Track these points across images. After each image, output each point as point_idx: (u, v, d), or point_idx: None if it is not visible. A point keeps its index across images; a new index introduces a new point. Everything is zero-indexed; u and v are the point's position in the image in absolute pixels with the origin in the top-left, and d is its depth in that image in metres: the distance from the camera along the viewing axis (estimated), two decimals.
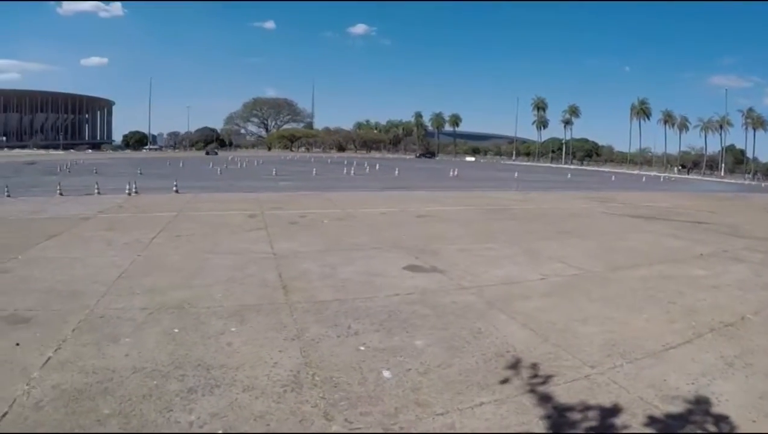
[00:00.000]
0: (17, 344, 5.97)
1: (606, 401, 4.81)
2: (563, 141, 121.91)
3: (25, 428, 4.26)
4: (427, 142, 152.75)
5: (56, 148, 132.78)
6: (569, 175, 55.06)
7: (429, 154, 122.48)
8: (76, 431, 4.21)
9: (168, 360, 5.57)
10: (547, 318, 7.08)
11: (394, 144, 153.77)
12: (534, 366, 5.52)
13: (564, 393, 4.93)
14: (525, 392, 4.95)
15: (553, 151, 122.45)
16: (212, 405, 4.66)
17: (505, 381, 5.17)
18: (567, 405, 4.69)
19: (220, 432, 4.26)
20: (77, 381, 5.09)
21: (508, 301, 7.84)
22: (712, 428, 4.44)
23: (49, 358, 5.61)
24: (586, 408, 4.65)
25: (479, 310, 7.42)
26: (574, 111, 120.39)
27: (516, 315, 7.17)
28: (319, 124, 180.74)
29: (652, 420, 4.49)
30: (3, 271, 9.25)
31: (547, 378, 5.23)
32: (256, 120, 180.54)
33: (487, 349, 6.00)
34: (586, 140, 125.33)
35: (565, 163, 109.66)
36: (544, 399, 4.80)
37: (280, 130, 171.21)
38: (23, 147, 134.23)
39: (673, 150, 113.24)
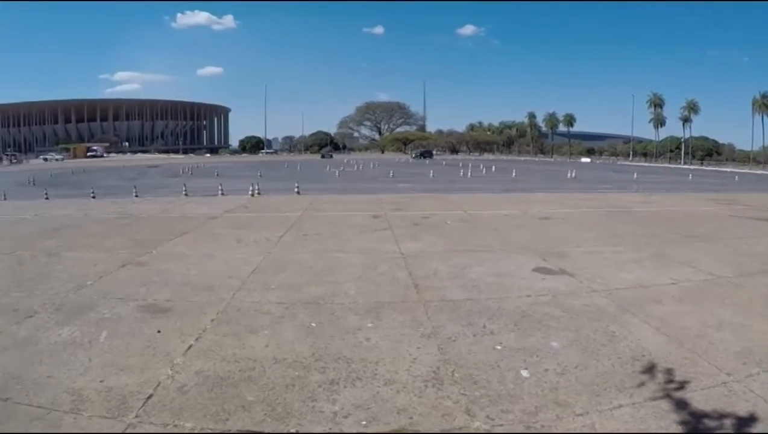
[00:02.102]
0: (159, 331, 6.46)
1: (743, 409, 4.61)
2: (681, 139, 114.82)
3: (171, 409, 4.58)
4: (540, 143, 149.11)
5: (176, 152, 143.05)
6: (690, 176, 51.50)
7: (428, 153, 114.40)
8: (221, 415, 4.45)
9: (308, 352, 5.80)
10: (681, 323, 6.83)
11: (508, 145, 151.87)
12: (670, 371, 5.38)
13: (701, 399, 4.78)
14: (662, 396, 4.84)
15: (671, 151, 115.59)
16: (355, 396, 4.79)
17: (641, 384, 5.10)
18: (704, 412, 4.56)
19: (364, 422, 4.37)
20: (220, 368, 5.41)
21: (640, 305, 7.61)
22: None
23: (190, 346, 6.02)
24: (723, 415, 4.52)
25: (611, 313, 7.26)
26: (692, 107, 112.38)
27: (649, 320, 6.97)
28: (431, 127, 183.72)
29: None
30: (139, 264, 10.04)
31: (683, 384, 5.10)
32: (368, 123, 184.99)
33: (622, 352, 5.89)
34: (706, 138, 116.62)
35: (684, 163, 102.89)
36: (681, 404, 4.69)
37: (393, 133, 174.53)
38: (145, 151, 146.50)
39: None
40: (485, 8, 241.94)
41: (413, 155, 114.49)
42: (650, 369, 5.41)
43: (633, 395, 4.85)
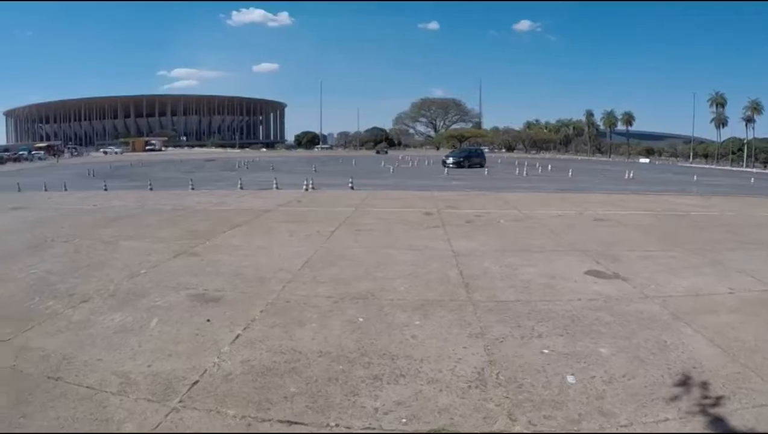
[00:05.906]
0: (208, 320, 6.67)
1: None
2: (744, 141, 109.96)
3: (215, 396, 4.73)
4: (598, 142, 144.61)
5: (232, 147, 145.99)
6: (752, 180, 48.88)
7: (385, 150, 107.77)
8: (264, 404, 4.57)
9: (354, 347, 5.88)
10: (736, 336, 6.55)
11: (565, 144, 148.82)
12: (721, 385, 5.19)
13: (751, 417, 4.59)
14: (710, 412, 4.69)
15: (733, 153, 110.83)
16: (397, 393, 4.83)
17: (690, 398, 4.95)
18: (754, 431, 4.38)
19: (404, 420, 4.40)
20: (265, 358, 5.55)
21: (694, 314, 7.34)
22: None
23: (238, 335, 6.19)
24: None
25: (664, 322, 7.05)
26: (755, 107, 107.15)
27: (703, 330, 6.72)
28: (487, 124, 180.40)
29: None
30: (192, 255, 10.34)
31: (733, 400, 4.91)
32: (424, 120, 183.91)
33: (672, 363, 5.71)
34: None
35: (747, 165, 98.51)
36: (730, 421, 4.54)
37: (449, 130, 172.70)
38: (202, 146, 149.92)
39: None
40: (542, 4, 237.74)
41: (376, 151, 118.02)
42: (700, 383, 5.26)
43: (680, 409, 4.73)
